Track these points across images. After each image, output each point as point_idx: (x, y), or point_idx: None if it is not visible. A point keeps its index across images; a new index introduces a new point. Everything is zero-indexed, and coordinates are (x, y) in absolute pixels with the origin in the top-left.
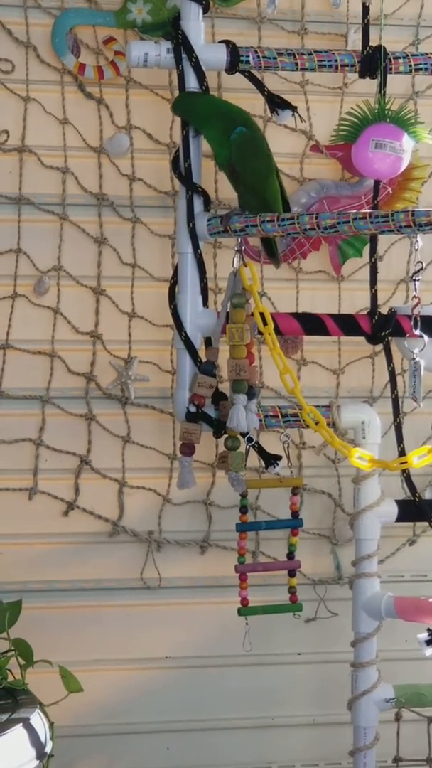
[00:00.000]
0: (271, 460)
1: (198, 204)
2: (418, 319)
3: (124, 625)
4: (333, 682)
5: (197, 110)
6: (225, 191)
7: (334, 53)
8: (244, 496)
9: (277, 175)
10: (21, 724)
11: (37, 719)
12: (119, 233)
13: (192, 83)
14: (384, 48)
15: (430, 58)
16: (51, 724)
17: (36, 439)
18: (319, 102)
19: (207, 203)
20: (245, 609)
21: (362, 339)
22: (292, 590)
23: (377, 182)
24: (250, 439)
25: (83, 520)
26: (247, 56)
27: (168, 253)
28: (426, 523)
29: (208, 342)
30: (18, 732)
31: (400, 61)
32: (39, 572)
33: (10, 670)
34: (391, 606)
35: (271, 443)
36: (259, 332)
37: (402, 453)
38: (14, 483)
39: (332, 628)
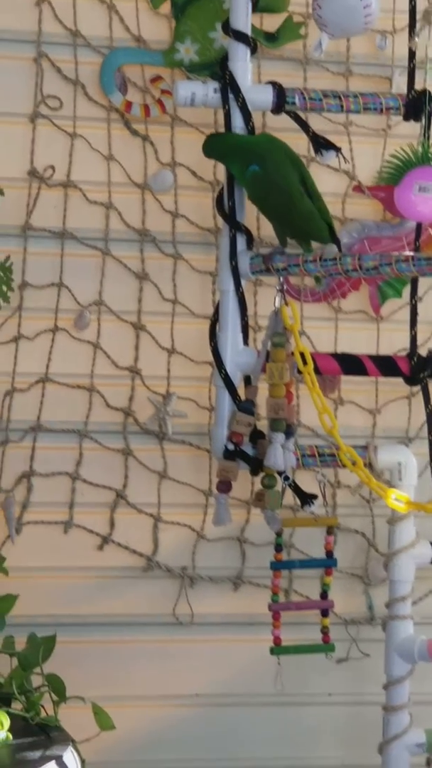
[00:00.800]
0: (306, 498)
1: (241, 242)
2: None
3: (155, 661)
4: (364, 724)
5: (220, 149)
6: (267, 229)
7: (379, 96)
8: (279, 534)
9: (313, 195)
10: (54, 761)
11: (70, 757)
12: (161, 269)
13: (238, 123)
14: (429, 92)
15: None
16: (83, 762)
17: (73, 473)
18: (362, 143)
19: (250, 241)
20: (278, 648)
21: (399, 379)
22: (324, 630)
23: (419, 224)
24: (286, 478)
25: (118, 554)
26: (293, 97)
27: (209, 290)
28: None
29: (247, 380)
30: None
31: None
32: (72, 606)
33: (42, 706)
34: (424, 649)
35: (307, 482)
36: (299, 371)
37: None
38: (50, 516)
39: (364, 670)
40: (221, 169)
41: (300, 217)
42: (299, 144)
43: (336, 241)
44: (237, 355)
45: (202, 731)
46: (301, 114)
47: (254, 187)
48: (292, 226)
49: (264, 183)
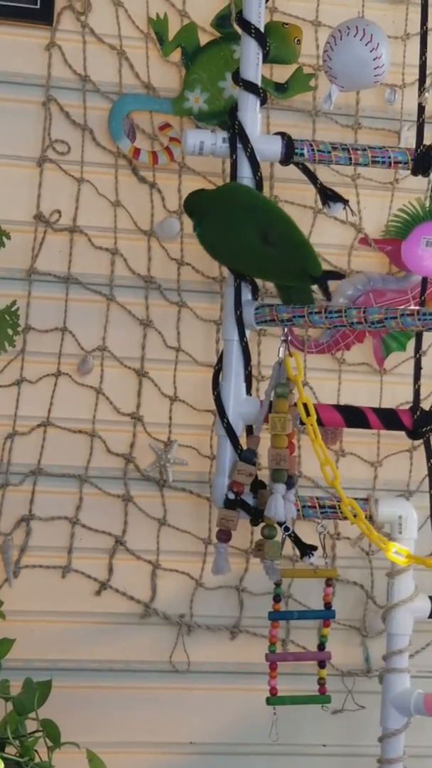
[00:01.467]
0: (306, 550)
1: (246, 292)
2: None
3: (150, 708)
4: None
5: (187, 209)
6: None
7: (387, 150)
8: (278, 584)
9: (281, 243)
10: None
11: None
12: (165, 316)
13: (246, 173)
14: None
15: None
16: None
17: (72, 518)
18: (369, 196)
19: (255, 292)
20: (274, 698)
21: (401, 433)
22: (321, 682)
23: (425, 279)
24: (287, 529)
25: (115, 600)
26: (302, 149)
27: (212, 339)
28: None
29: (249, 430)
30: None
31: None
32: (69, 651)
33: (37, 751)
34: (420, 703)
35: (307, 533)
36: (301, 422)
37: None
38: (48, 560)
39: (359, 722)
40: None
41: (261, 269)
42: (306, 196)
43: (322, 284)
44: (240, 405)
45: None
46: (310, 165)
47: (203, 245)
48: (263, 276)
49: (206, 242)
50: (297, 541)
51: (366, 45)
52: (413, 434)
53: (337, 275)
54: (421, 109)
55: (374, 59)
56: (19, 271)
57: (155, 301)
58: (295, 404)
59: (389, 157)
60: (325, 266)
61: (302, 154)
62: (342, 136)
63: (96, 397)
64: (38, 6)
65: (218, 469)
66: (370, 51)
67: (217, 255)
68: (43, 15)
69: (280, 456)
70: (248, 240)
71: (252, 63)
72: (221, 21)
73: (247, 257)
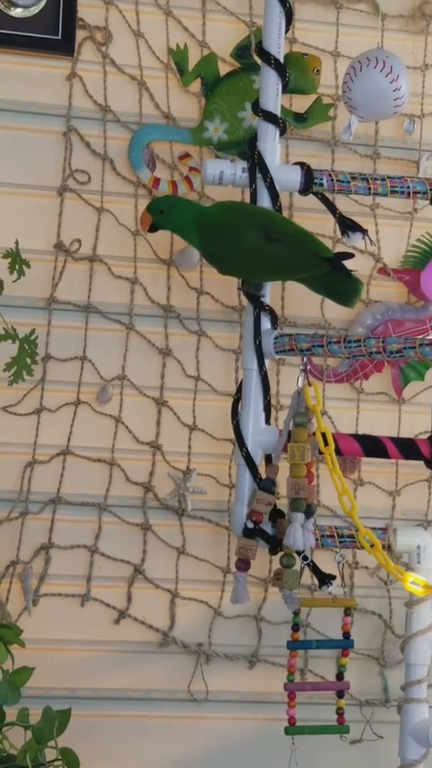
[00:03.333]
0: (325, 579)
1: (265, 321)
2: None
3: (169, 737)
4: None
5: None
6: (292, 309)
7: (407, 180)
8: (296, 613)
9: (284, 237)
10: None
11: None
12: (184, 345)
13: (265, 202)
14: None
15: None
16: None
17: (91, 546)
18: (388, 226)
19: (274, 321)
20: (292, 728)
21: (420, 462)
22: (339, 711)
23: None
24: (305, 558)
25: (134, 629)
26: (321, 179)
27: (232, 368)
28: None
29: (268, 459)
30: None
31: None
32: (87, 679)
33: None
34: None
35: (325, 562)
36: (320, 452)
37: None
38: (67, 589)
39: (377, 751)
40: None
41: (275, 269)
42: (325, 225)
43: (337, 264)
44: (259, 434)
45: None
46: (329, 195)
47: (211, 261)
48: (281, 276)
49: (212, 258)
50: (316, 570)
51: (386, 77)
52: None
53: (348, 255)
54: None
55: (394, 90)
56: (39, 300)
57: (175, 330)
58: (314, 433)
59: (408, 187)
60: None
61: (321, 184)
62: (361, 165)
63: (115, 426)
64: (59, 37)
65: (237, 498)
66: (390, 83)
67: (227, 268)
68: (64, 46)
69: (299, 485)
70: (253, 244)
71: (271, 93)
72: (241, 51)
73: (257, 261)
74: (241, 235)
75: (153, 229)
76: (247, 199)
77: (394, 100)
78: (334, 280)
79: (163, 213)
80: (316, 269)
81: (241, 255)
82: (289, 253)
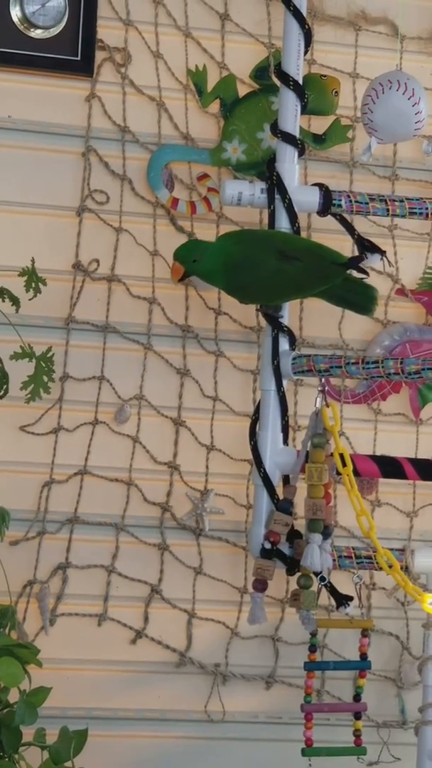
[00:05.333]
0: (342, 600)
1: (283, 342)
2: None
3: (186, 758)
4: None
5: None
6: (310, 330)
7: (425, 201)
8: (314, 634)
9: (299, 255)
10: None
11: None
12: (202, 366)
13: (284, 223)
14: None
15: None
16: None
17: (108, 566)
18: (406, 247)
19: (292, 342)
20: (309, 750)
21: None
22: (357, 733)
23: None
24: (323, 579)
25: (151, 649)
26: (340, 200)
27: (249, 388)
28: None
29: (285, 480)
30: None
31: None
32: (104, 700)
33: None
34: None
35: (343, 583)
36: (337, 473)
37: None
38: (84, 609)
39: None
40: None
41: (298, 288)
42: (344, 246)
43: (354, 266)
44: (276, 455)
45: None
46: (347, 216)
47: (234, 293)
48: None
49: (233, 291)
50: (333, 591)
51: (409, 99)
52: None
53: (360, 258)
54: None
55: (416, 114)
56: (57, 319)
57: (192, 350)
58: (332, 454)
59: (426, 208)
60: (361, 319)
61: (340, 205)
62: (379, 187)
63: (133, 446)
64: (79, 58)
65: (255, 518)
66: (413, 105)
67: (250, 296)
68: (83, 66)
69: (317, 506)
70: (272, 268)
71: (290, 114)
72: (260, 73)
73: (279, 283)
74: (260, 262)
75: (184, 277)
76: (266, 220)
77: (416, 123)
78: (351, 290)
79: (197, 261)
80: (336, 277)
81: (263, 280)
82: (308, 268)
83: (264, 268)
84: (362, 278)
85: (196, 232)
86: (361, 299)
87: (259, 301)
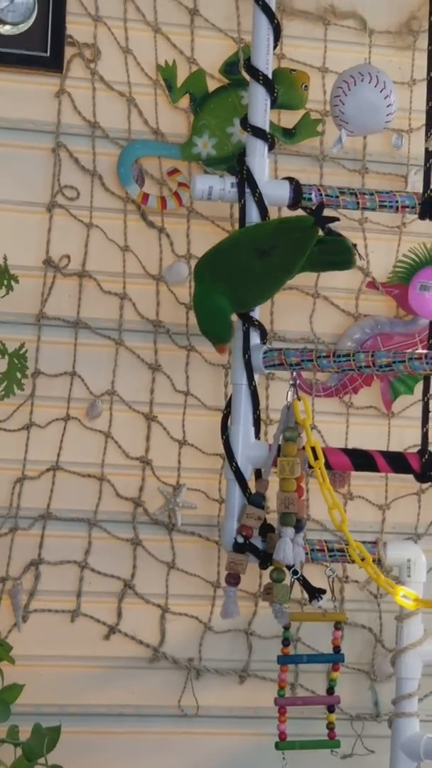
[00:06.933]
0: (315, 593)
1: (254, 336)
2: None
3: (159, 753)
4: None
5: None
6: (281, 324)
7: (395, 194)
8: (287, 628)
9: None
10: None
11: None
12: (174, 360)
13: (254, 217)
14: None
15: None
16: None
17: (81, 562)
18: (377, 240)
19: (263, 336)
20: (283, 743)
21: (410, 476)
22: (330, 726)
23: None
24: (295, 572)
25: (124, 644)
26: (310, 194)
27: (221, 383)
28: None
29: (258, 474)
30: None
31: None
32: (78, 696)
33: None
34: (430, 748)
35: (315, 576)
36: (309, 466)
37: None
38: (57, 605)
39: (369, 766)
40: None
41: (288, 272)
42: None
43: (320, 220)
44: (248, 449)
45: None
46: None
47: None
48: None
49: (237, 303)
50: (306, 584)
51: (381, 92)
52: (421, 477)
53: (321, 207)
54: (428, 153)
55: (387, 106)
56: (28, 315)
57: (164, 346)
58: (304, 448)
59: (396, 202)
60: (332, 312)
61: (310, 199)
62: (349, 180)
63: (105, 441)
64: (48, 54)
65: (227, 512)
66: (384, 98)
67: (256, 303)
68: (53, 63)
69: (289, 499)
70: (258, 269)
71: (260, 109)
72: (229, 68)
73: (272, 278)
74: (247, 272)
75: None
76: (236, 214)
77: (386, 115)
78: (327, 251)
79: (220, 323)
80: (313, 239)
81: (258, 285)
82: (287, 248)
83: (253, 276)
84: (333, 224)
85: (166, 227)
86: (339, 255)
87: (264, 301)
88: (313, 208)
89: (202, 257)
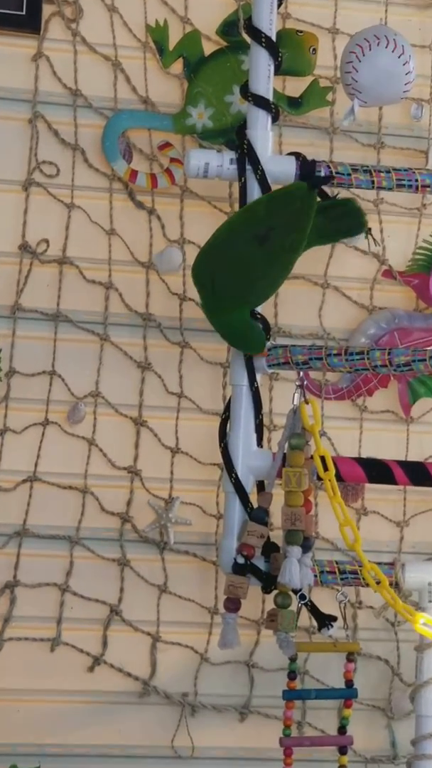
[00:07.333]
0: (325, 620)
1: None
2: None
3: None
4: None
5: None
6: (286, 317)
7: (414, 172)
8: (293, 659)
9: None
10: None
11: None
12: (165, 358)
13: (256, 197)
14: None
15: None
16: None
17: (62, 584)
18: (394, 223)
19: (267, 331)
20: None
21: (430, 489)
22: None
23: None
24: (302, 597)
25: (110, 677)
26: (319, 171)
27: (219, 384)
28: None
29: (260, 486)
30: None
31: None
32: (59, 734)
33: None
34: None
35: (325, 601)
36: (318, 478)
37: None
38: (35, 632)
39: None
40: None
41: (294, 249)
42: None
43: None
44: (250, 458)
45: None
46: (327, 189)
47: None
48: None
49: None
50: (314, 610)
51: (399, 57)
52: None
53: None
54: None
55: (406, 73)
56: (2, 308)
57: (154, 341)
58: (312, 457)
59: (416, 180)
60: (344, 304)
61: (319, 177)
62: (363, 156)
63: (88, 449)
64: (24, 12)
65: (226, 529)
66: (403, 64)
67: (271, 292)
68: (29, 22)
69: (296, 515)
70: (260, 258)
71: (262, 75)
72: (228, 29)
73: (280, 264)
74: (249, 264)
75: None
76: (236, 194)
77: (405, 84)
78: (333, 217)
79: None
80: (312, 204)
81: (266, 273)
82: (286, 226)
83: (257, 267)
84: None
85: (157, 208)
86: (348, 219)
87: (276, 290)
88: (326, 196)
89: (197, 259)
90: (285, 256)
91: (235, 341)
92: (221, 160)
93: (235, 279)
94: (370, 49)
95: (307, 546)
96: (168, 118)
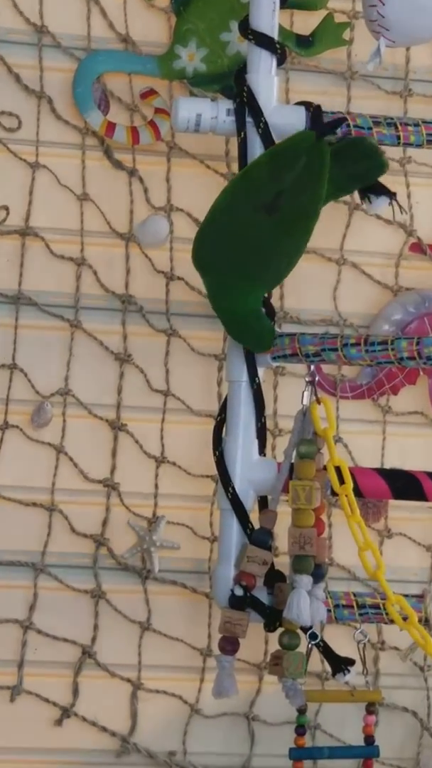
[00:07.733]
0: (340, 664)
1: None
2: None
3: None
4: None
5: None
6: (294, 300)
7: None
8: (302, 711)
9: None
10: None
11: None
12: (149, 349)
13: (258, 156)
14: None
15: None
16: None
17: (24, 621)
18: (423, 186)
19: (271, 317)
20: None
21: None
22: None
23: None
24: (313, 636)
25: (82, 732)
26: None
27: (213, 379)
28: None
29: (263, 502)
30: None
31: None
32: None
33: None
34: None
35: (339, 640)
36: (333, 492)
37: None
38: None
39: None
40: None
41: (308, 216)
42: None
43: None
44: (250, 469)
45: None
46: None
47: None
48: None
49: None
50: (327, 652)
51: None
52: None
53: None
54: None
55: None
56: None
57: (136, 329)
58: (325, 468)
59: None
60: (364, 284)
61: (334, 132)
62: (387, 106)
63: (56, 458)
64: None
65: (221, 555)
66: None
67: (292, 266)
68: None
69: (305, 538)
70: (272, 230)
71: (266, 9)
72: None
73: (296, 236)
74: (258, 237)
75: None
76: (233, 152)
77: None
78: (347, 162)
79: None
80: (325, 154)
81: (282, 250)
82: (298, 191)
83: (268, 242)
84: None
85: (139, 169)
86: (363, 161)
87: (294, 265)
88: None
89: (196, 238)
90: (300, 224)
91: (238, 333)
92: (216, 111)
93: (244, 258)
94: None
95: (318, 575)
96: (152, 60)
